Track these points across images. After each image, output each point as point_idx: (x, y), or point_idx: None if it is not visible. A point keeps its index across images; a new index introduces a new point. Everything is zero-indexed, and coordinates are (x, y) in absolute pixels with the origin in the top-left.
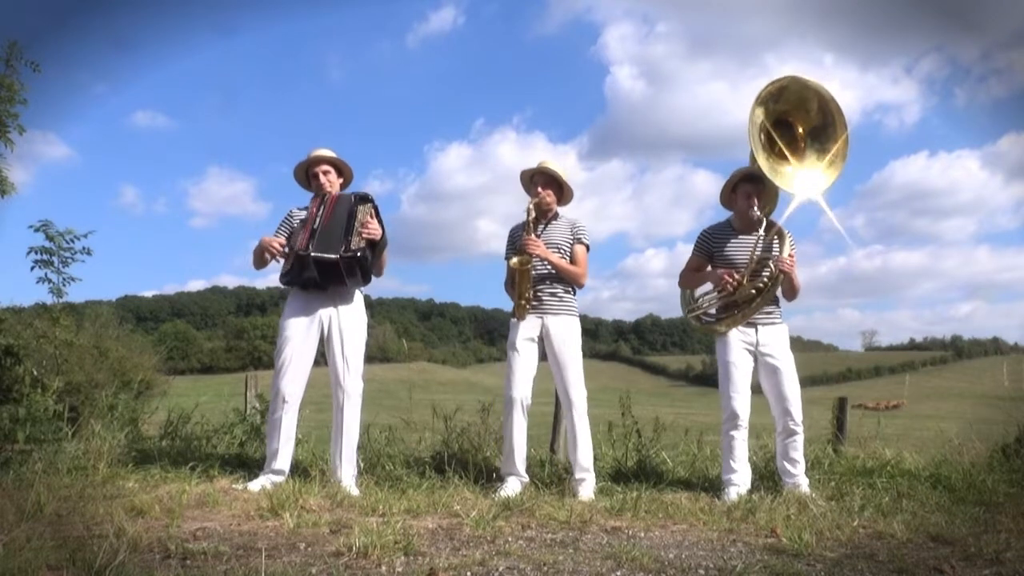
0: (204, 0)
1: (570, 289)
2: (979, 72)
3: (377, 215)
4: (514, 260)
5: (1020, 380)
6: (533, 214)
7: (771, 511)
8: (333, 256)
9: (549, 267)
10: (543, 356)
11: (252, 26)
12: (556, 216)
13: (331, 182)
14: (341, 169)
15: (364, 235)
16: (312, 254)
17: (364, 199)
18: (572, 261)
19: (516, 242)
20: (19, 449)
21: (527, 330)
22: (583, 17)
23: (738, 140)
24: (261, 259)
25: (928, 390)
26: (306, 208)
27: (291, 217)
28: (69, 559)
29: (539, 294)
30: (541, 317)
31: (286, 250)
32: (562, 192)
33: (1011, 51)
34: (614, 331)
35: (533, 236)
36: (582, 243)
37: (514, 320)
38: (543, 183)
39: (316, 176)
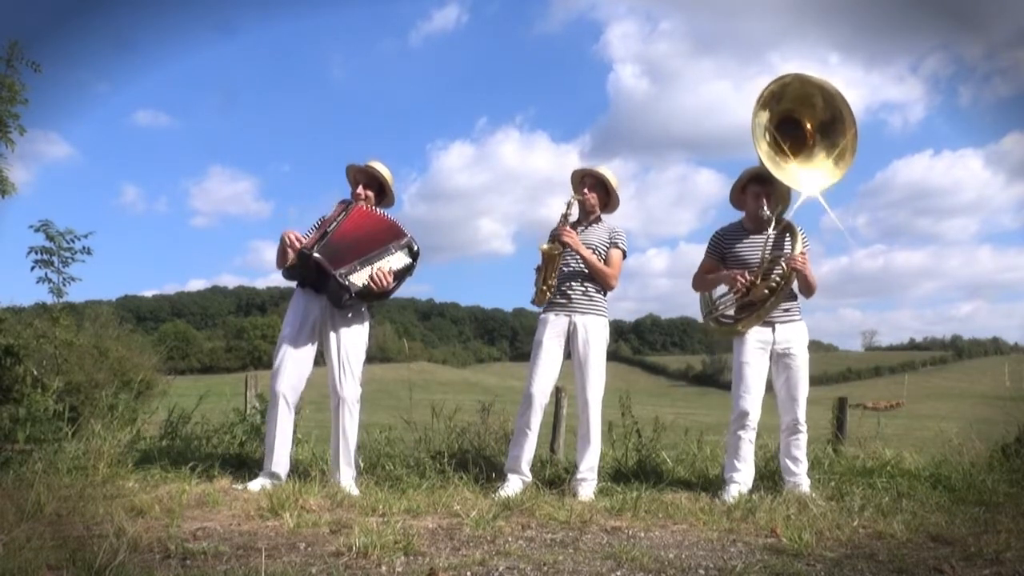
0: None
1: (601, 289)
2: (984, 71)
3: (406, 272)
4: (545, 246)
5: (1020, 380)
6: (575, 211)
7: (771, 511)
8: (331, 271)
9: (582, 263)
10: (567, 355)
11: (254, 25)
12: (598, 220)
13: (368, 197)
14: (385, 192)
15: (374, 279)
16: (315, 255)
17: (410, 250)
18: (606, 262)
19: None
20: (19, 449)
21: (555, 328)
22: (586, 15)
23: (742, 139)
24: (284, 255)
25: (928, 390)
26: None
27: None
28: (69, 559)
29: (570, 292)
30: (570, 315)
31: (295, 242)
32: (608, 199)
33: (1016, 50)
34: (614, 331)
35: (569, 227)
36: (618, 248)
37: (543, 316)
38: (591, 185)
39: (357, 185)
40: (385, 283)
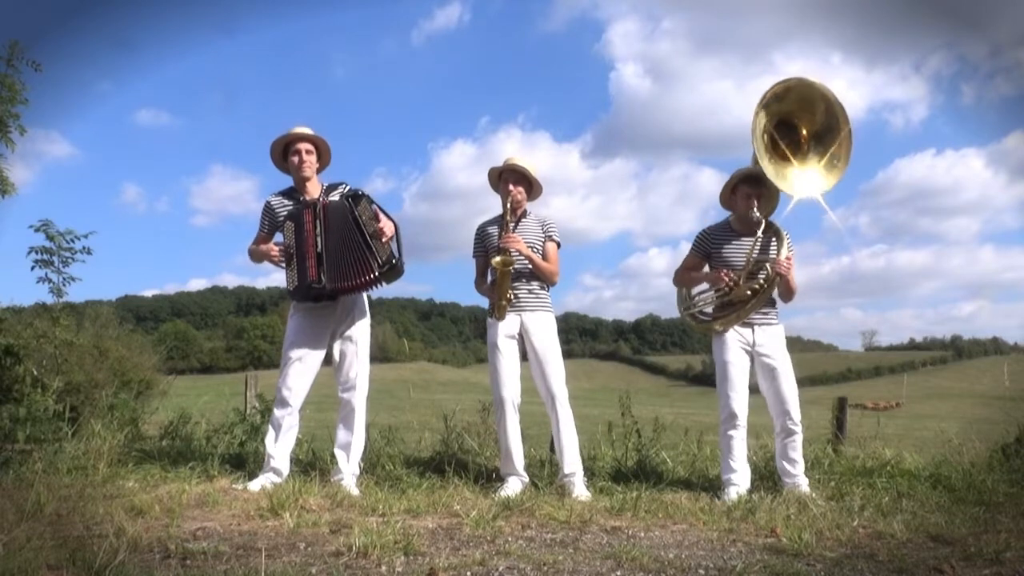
0: None
1: (545, 285)
2: (987, 70)
3: (369, 202)
4: (497, 259)
5: (1020, 380)
6: (509, 215)
7: (771, 511)
8: (377, 274)
9: (526, 264)
10: (524, 354)
11: (255, 24)
12: (526, 214)
13: (311, 163)
14: (320, 150)
15: (385, 240)
16: (330, 286)
17: (357, 198)
18: (544, 259)
19: (484, 240)
20: (19, 449)
21: (506, 328)
22: (588, 14)
23: (744, 139)
24: (260, 261)
25: (928, 390)
26: (286, 196)
27: (272, 210)
28: (69, 559)
29: (516, 291)
30: (519, 314)
31: (283, 258)
32: (531, 188)
33: (1020, 49)
34: (614, 331)
35: (512, 233)
36: (553, 240)
37: (491, 319)
38: (513, 180)
39: (297, 153)
40: (388, 229)
